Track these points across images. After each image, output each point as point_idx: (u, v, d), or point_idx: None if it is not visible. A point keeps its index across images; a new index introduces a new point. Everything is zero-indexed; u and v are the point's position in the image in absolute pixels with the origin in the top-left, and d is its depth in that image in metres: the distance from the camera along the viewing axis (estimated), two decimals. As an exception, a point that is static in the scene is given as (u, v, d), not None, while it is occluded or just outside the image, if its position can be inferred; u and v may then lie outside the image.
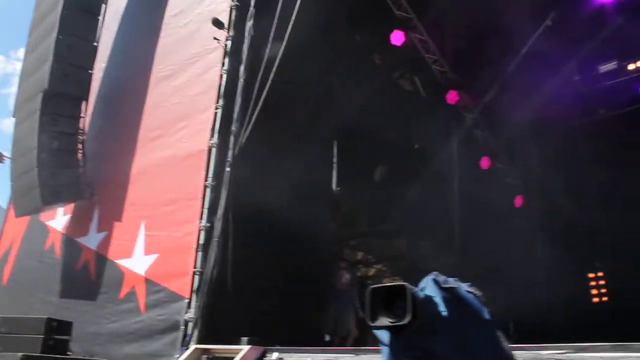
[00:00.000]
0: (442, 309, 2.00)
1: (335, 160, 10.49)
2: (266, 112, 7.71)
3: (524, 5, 11.16)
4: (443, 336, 1.95)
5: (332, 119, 9.99)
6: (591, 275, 12.40)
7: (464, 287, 2.19)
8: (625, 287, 11.20)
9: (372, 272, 14.26)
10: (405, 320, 1.87)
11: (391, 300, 1.92)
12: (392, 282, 1.94)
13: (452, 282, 2.15)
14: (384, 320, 1.92)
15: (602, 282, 12.30)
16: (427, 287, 2.10)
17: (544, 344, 4.39)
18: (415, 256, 12.14)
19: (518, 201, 12.89)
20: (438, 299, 2.04)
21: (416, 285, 2.17)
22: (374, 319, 1.94)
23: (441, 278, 2.14)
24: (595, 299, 12.42)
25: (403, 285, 1.90)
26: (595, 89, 12.63)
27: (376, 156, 11.57)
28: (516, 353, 4.40)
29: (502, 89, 11.65)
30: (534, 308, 11.41)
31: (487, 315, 2.11)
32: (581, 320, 10.92)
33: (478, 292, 2.14)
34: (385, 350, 2.00)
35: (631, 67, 11.92)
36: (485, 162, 12.44)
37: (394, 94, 11.83)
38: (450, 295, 2.08)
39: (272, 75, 7.62)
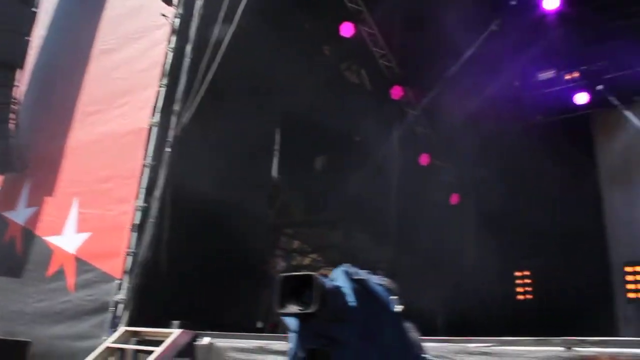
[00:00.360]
0: (351, 299, 2.10)
1: (277, 147, 10.47)
2: (210, 94, 7.61)
3: (471, 9, 11.42)
4: (349, 325, 2.06)
5: (276, 106, 9.96)
6: (518, 274, 12.85)
7: (374, 279, 2.30)
8: (548, 287, 11.67)
9: (307, 261, 14.31)
10: (312, 309, 1.95)
11: (301, 289, 2.00)
12: (302, 272, 2.02)
13: (363, 274, 2.25)
14: (293, 308, 2.00)
15: (527, 281, 12.76)
16: (338, 278, 2.20)
17: (471, 337, 4.55)
18: (351, 247, 12.27)
19: (454, 199, 13.24)
20: (347, 289, 2.14)
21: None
22: (282, 306, 2.02)
23: (352, 270, 2.24)
24: (521, 297, 12.88)
25: (311, 275, 1.99)
26: (533, 95, 13.07)
27: (318, 146, 11.62)
28: (444, 345, 4.56)
29: (446, 88, 11.88)
30: (463, 303, 11.80)
31: (394, 307, 2.23)
32: (507, 316, 11.35)
33: (389, 284, 2.25)
34: (292, 336, 2.09)
35: (568, 77, 12.36)
36: (424, 159, 12.70)
37: (339, 85, 11.89)
38: (360, 287, 2.18)
39: (218, 58, 7.52)
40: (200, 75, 7.63)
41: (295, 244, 14.22)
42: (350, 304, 2.11)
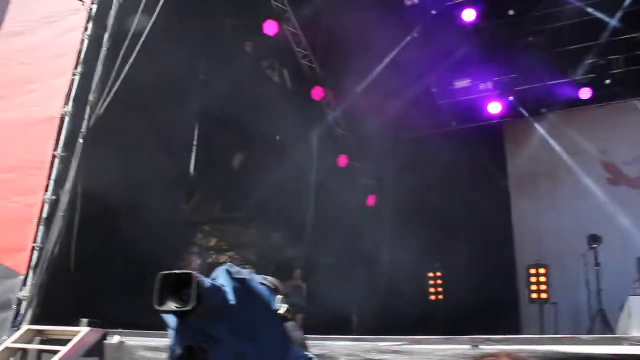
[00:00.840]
0: (231, 297, 2.15)
1: (195, 143, 10.28)
2: (127, 86, 7.34)
3: (394, 16, 11.70)
4: (227, 323, 2.11)
5: (195, 101, 9.77)
6: (431, 275, 13.24)
7: (258, 279, 2.35)
8: (459, 288, 12.07)
9: (223, 259, 14.13)
10: (190, 306, 1.99)
11: (180, 287, 2.04)
12: (181, 271, 2.06)
13: (245, 274, 2.30)
14: (171, 305, 2.03)
15: (439, 282, 13.16)
16: (220, 276, 2.24)
17: (384, 336, 4.65)
18: (267, 246, 12.24)
19: (371, 200, 13.45)
20: (228, 288, 2.18)
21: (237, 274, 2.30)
22: (161, 303, 2.05)
23: (234, 269, 2.29)
24: (433, 297, 13.27)
25: (190, 273, 2.03)
26: (449, 103, 13.54)
27: (237, 143, 11.50)
28: (356, 344, 4.62)
29: (366, 91, 12.08)
30: (378, 303, 12.03)
31: (276, 306, 2.30)
32: (420, 316, 11.67)
33: (273, 284, 2.33)
34: (171, 333, 2.13)
35: (482, 87, 12.87)
36: (342, 160, 12.84)
37: (260, 83, 11.81)
38: (241, 286, 2.23)
39: (137, 49, 7.28)
40: (117, 66, 7.35)
41: (213, 241, 14.01)
42: (230, 302, 2.16)
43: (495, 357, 1.49)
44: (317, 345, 4.63)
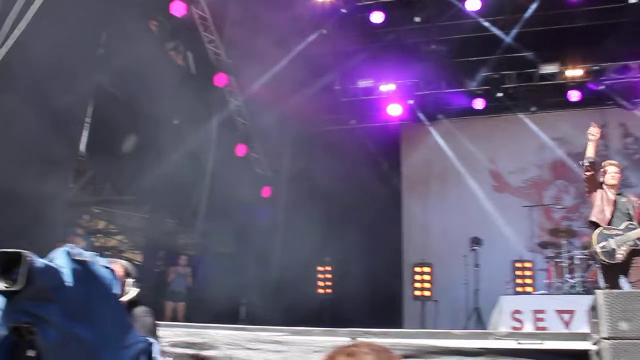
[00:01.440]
0: (67, 279, 2.09)
1: (88, 122, 9.81)
2: (15, 57, 6.89)
3: (305, 11, 11.75)
4: (61, 304, 2.05)
5: (91, 77, 9.33)
6: (320, 268, 13.42)
7: (101, 262, 2.31)
8: (346, 282, 12.32)
9: (112, 242, 13.67)
10: (18, 286, 1.92)
11: (10, 267, 1.95)
12: (12, 250, 1.97)
13: (87, 256, 2.24)
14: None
15: (328, 276, 13.37)
16: (59, 257, 2.16)
17: (265, 326, 4.68)
18: (158, 231, 11.93)
19: (266, 192, 13.44)
20: (67, 270, 2.11)
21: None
22: None
23: (75, 251, 2.22)
24: (321, 291, 13.46)
25: (20, 252, 1.95)
26: (351, 101, 13.79)
27: (133, 124, 11.08)
28: (238, 334, 4.61)
29: (270, 82, 12.05)
30: (267, 295, 12.04)
31: (116, 290, 2.27)
32: (307, 309, 11.78)
33: (124, 268, 2.30)
34: None
35: (383, 88, 13.20)
36: (241, 150, 12.74)
37: (162, 64, 11.43)
38: (81, 268, 2.17)
39: (28, 18, 6.84)
40: (3, 34, 6.88)
41: (101, 224, 13.50)
42: (65, 283, 2.08)
43: (357, 346, 1.53)
44: (198, 333, 4.59)
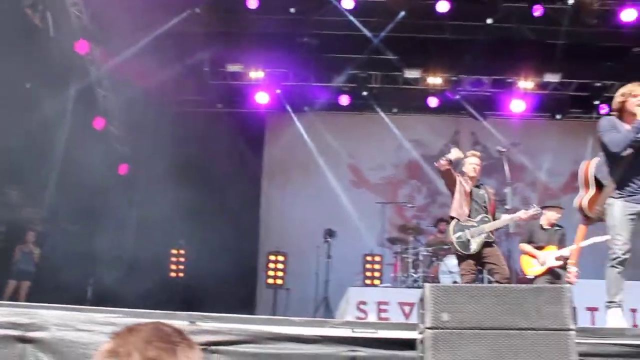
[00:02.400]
0: None
1: None
2: None
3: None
4: None
5: None
6: (174, 251, 13.12)
7: None
8: (199, 267, 12.14)
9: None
10: None
11: None
12: None
13: None
14: None
15: (182, 260, 13.12)
16: None
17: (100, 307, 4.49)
18: (0, 203, 11.03)
19: (123, 169, 12.89)
20: None
21: None
22: None
23: None
24: (173, 274, 13.17)
25: None
26: (219, 84, 13.59)
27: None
28: (72, 314, 4.36)
29: (136, 56, 11.52)
30: (117, 276, 11.57)
31: None
32: (157, 292, 11.46)
33: None
34: None
35: (253, 74, 13.13)
36: (99, 123, 12.08)
37: (17, 23, 10.54)
38: None
39: None
40: None
41: None
42: None
43: (145, 325, 1.53)
44: (26, 313, 4.30)
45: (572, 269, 6.41)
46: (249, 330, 4.15)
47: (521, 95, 13.53)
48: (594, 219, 5.42)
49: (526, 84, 13.23)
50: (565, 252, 7.75)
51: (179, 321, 4.21)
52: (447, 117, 14.33)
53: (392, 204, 13.33)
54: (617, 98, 5.32)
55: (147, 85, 11.97)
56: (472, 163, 7.15)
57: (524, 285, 3.82)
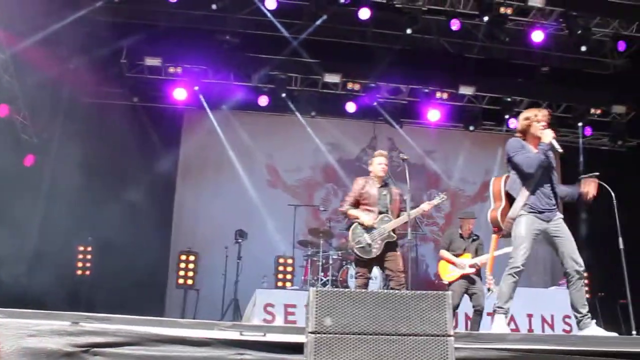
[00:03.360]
0: None
1: None
2: None
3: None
4: None
5: None
6: (81, 248, 12.62)
7: None
8: (107, 265, 11.76)
9: None
10: None
11: None
12: None
13: None
14: None
15: (89, 257, 12.62)
16: None
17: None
18: None
19: (29, 160, 12.27)
20: None
21: None
22: None
23: None
24: (79, 272, 12.66)
25: None
26: (136, 77, 13.20)
27: None
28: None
29: (47, 42, 10.97)
30: (19, 273, 11.00)
31: None
32: (62, 291, 10.99)
33: None
34: None
35: (172, 70, 12.87)
36: (2, 110, 11.42)
37: None
38: None
39: None
40: None
41: None
42: None
43: None
44: None
45: (489, 277, 6.82)
46: (135, 332, 4.03)
47: (437, 105, 13.92)
48: (505, 231, 5.76)
49: (442, 94, 13.62)
50: (479, 259, 8.25)
51: (61, 322, 4.06)
52: (365, 123, 14.55)
53: (308, 207, 13.38)
54: (522, 121, 5.76)
55: (58, 73, 11.46)
56: (380, 163, 7.28)
57: (407, 291, 3.90)
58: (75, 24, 11.17)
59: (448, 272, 8.47)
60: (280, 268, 12.01)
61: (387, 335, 3.52)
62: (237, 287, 11.23)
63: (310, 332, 3.47)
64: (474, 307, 8.19)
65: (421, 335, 3.55)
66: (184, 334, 4.10)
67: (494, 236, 6.16)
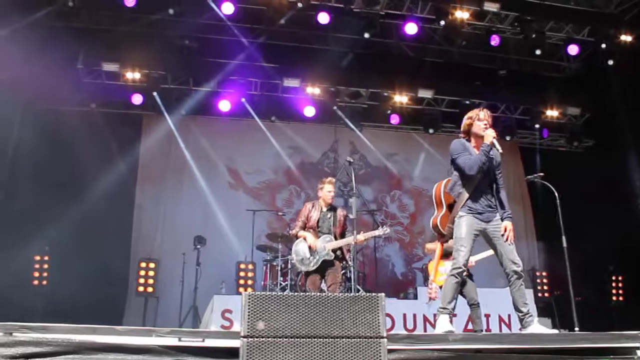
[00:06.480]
0: None
1: None
2: None
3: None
4: None
5: None
6: (37, 257, 12.34)
7: None
8: (65, 274, 11.51)
9: None
10: None
11: None
12: None
13: None
14: None
15: (45, 267, 12.29)
16: None
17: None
18: None
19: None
20: None
21: None
22: None
23: None
24: (36, 282, 12.34)
25: None
26: (94, 83, 13.01)
27: None
28: None
29: (1, 47, 10.78)
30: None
31: None
32: (19, 302, 10.75)
33: None
34: None
35: (129, 75, 12.71)
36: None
37: None
38: None
39: None
40: None
41: None
42: None
43: None
44: None
45: (431, 286, 6.83)
46: (71, 341, 3.98)
47: (397, 109, 14.02)
48: (447, 237, 5.83)
49: (401, 97, 13.73)
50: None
51: (-7, 332, 3.98)
52: (326, 126, 14.62)
53: (270, 211, 13.37)
54: (465, 121, 5.83)
55: (13, 78, 11.23)
56: (330, 191, 7.89)
57: (340, 294, 3.93)
58: (29, 29, 11.00)
59: (440, 275, 8.39)
60: (242, 273, 11.94)
61: (320, 338, 3.54)
62: (196, 294, 11.16)
63: (243, 337, 3.47)
64: (468, 303, 8.09)
65: (354, 338, 3.57)
66: (121, 342, 4.06)
67: (437, 244, 6.27)
